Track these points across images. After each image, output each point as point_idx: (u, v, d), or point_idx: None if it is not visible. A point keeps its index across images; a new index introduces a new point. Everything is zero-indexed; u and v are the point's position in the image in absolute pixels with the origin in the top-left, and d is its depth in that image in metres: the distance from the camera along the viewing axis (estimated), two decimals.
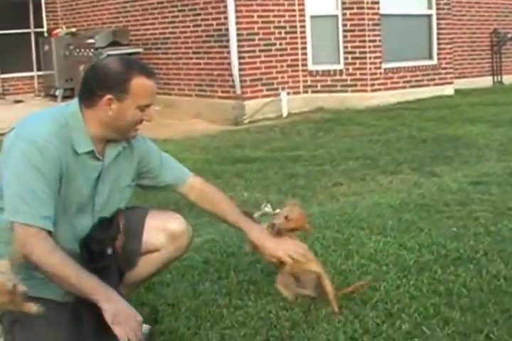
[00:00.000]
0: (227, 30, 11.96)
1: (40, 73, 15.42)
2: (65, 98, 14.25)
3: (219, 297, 3.99)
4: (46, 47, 14.86)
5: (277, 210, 6.10)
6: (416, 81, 13.01)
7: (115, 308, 2.91)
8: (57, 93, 14.58)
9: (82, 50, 13.38)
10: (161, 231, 3.54)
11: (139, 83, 3.16)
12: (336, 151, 8.72)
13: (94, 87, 3.16)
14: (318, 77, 12.52)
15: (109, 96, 3.13)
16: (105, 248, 3.18)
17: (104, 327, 2.90)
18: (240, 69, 11.98)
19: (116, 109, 3.16)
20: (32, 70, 15.65)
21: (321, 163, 8.09)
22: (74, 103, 3.26)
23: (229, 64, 12.05)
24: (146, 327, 3.62)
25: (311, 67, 12.55)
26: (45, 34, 15.61)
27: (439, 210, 5.54)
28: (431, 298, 3.83)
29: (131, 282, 3.54)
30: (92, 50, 13.10)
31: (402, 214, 5.45)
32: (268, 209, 6.12)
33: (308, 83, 12.56)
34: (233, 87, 12.10)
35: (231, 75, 12.07)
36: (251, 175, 7.64)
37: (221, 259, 4.67)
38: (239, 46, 11.92)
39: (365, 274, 4.23)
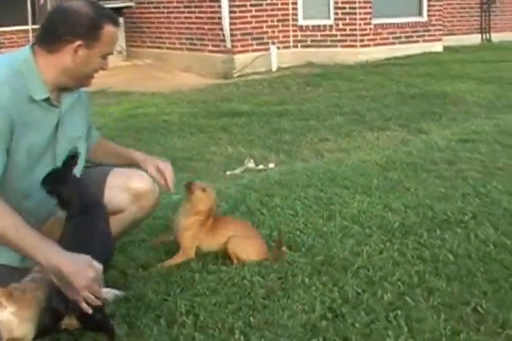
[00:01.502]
0: None
1: (35, 27, 14.89)
2: None
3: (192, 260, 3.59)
4: (41, 1, 14.34)
5: (260, 166, 5.72)
6: (405, 37, 12.46)
7: (57, 267, 2.49)
8: None
9: None
10: (124, 190, 3.16)
11: (110, 31, 2.87)
12: (323, 106, 8.28)
13: (62, 32, 2.81)
14: (308, 32, 12.00)
15: (79, 42, 2.81)
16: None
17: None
18: (230, 24, 11.48)
19: (83, 56, 2.85)
20: (27, 24, 15.11)
21: (308, 117, 7.67)
22: (26, 48, 2.89)
23: (220, 18, 11.55)
24: (113, 293, 3.25)
25: (301, 22, 12.02)
26: None
27: (426, 169, 5.13)
28: (415, 264, 3.43)
29: None
30: None
31: (388, 172, 5.04)
32: (251, 164, 5.72)
33: (298, 38, 12.04)
34: (223, 41, 11.61)
35: (221, 29, 11.58)
36: (236, 129, 7.22)
37: None
38: (230, 0, 11.38)
39: (347, 237, 3.83)
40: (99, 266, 2.54)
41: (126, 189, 3.16)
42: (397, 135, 6.63)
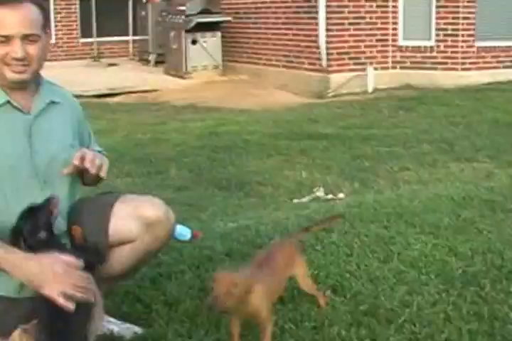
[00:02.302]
0: (316, 1, 11.13)
1: (136, 38, 15.06)
2: (157, 63, 13.94)
3: None
4: (143, 13, 14.46)
5: (329, 195, 5.40)
6: (510, 61, 11.85)
7: (28, 273, 2.37)
8: (150, 58, 14.31)
9: (174, 16, 12.78)
10: (134, 218, 2.83)
11: None
12: (411, 132, 7.87)
13: None
14: (407, 53, 11.56)
15: None
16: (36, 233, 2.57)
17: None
18: (327, 42, 11.18)
19: None
20: (128, 35, 15.26)
21: (393, 144, 7.28)
22: None
23: (317, 36, 11.26)
24: (132, 331, 3.00)
25: (401, 42, 11.59)
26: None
27: (505, 209, 4.66)
28: (469, 321, 3.03)
29: (108, 278, 2.89)
30: (183, 16, 12.49)
31: (463, 210, 4.60)
32: (320, 193, 5.41)
33: (397, 59, 11.61)
34: (319, 59, 11.31)
35: (318, 47, 11.26)
36: (316, 152, 6.92)
37: (245, 251, 3.95)
38: (327, 18, 11.09)
39: (400, 283, 3.46)
40: (68, 260, 2.40)
41: (137, 217, 2.82)
42: (484, 167, 6.18)
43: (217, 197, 5.39)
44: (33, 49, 2.62)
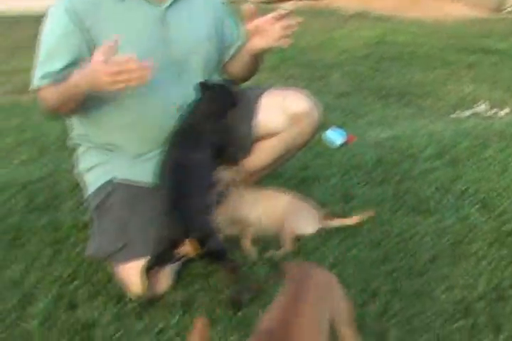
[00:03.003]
0: None
1: None
2: None
3: None
4: None
5: (492, 111, 5.16)
6: None
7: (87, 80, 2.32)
8: None
9: None
10: (281, 111, 2.78)
11: None
12: None
13: None
14: None
15: None
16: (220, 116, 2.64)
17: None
18: None
19: None
20: None
21: None
22: None
23: None
24: None
25: None
26: None
27: None
28: None
29: (254, 171, 2.92)
30: None
31: None
32: (481, 108, 5.19)
33: None
34: None
35: None
36: (483, 67, 6.60)
37: (396, 160, 3.87)
38: None
39: None
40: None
41: (283, 110, 2.78)
42: None
43: (375, 106, 5.28)
44: None
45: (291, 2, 11.02)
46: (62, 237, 2.99)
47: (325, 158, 3.89)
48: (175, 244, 2.34)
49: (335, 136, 4.20)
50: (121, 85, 2.20)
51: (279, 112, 2.78)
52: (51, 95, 2.50)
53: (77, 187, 3.27)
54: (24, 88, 5.46)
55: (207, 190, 2.56)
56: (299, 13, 2.69)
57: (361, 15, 9.68)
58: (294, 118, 2.78)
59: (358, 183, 3.56)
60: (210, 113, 2.64)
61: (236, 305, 2.45)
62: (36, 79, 2.55)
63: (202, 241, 2.33)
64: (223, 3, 2.90)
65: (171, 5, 2.66)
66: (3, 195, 3.50)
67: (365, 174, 3.68)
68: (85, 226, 3.00)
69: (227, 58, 2.90)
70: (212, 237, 2.39)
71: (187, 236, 2.32)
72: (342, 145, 4.14)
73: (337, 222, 2.97)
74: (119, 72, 2.18)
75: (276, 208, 2.93)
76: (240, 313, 2.40)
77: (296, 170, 3.64)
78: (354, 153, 3.98)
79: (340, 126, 4.39)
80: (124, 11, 2.57)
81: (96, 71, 2.23)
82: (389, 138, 4.33)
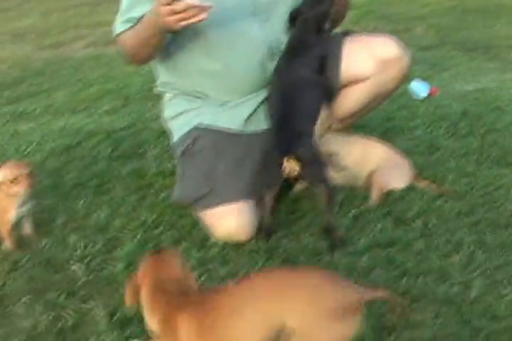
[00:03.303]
0: None
1: None
2: None
3: None
4: None
5: None
6: None
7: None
8: None
9: None
10: (369, 56, 2.69)
11: None
12: None
13: None
14: None
15: None
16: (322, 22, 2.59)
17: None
18: None
19: None
20: None
21: None
22: None
23: None
24: None
25: None
26: None
27: None
28: None
29: (342, 118, 2.87)
30: None
31: None
32: None
33: None
34: None
35: None
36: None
37: (481, 113, 3.77)
38: None
39: None
40: None
41: (372, 55, 2.69)
42: None
43: (460, 59, 5.15)
44: None
45: None
46: (146, 184, 3.03)
47: (409, 109, 3.82)
48: (279, 162, 2.35)
49: (419, 88, 4.11)
50: (184, 23, 2.20)
51: (368, 57, 2.70)
52: (130, 39, 2.51)
53: (161, 135, 3.30)
54: (107, 41, 5.51)
55: (314, 114, 2.53)
56: None
57: None
58: (384, 64, 2.70)
59: (443, 135, 3.49)
60: (314, 17, 2.62)
61: (329, 233, 2.45)
62: (117, 25, 2.57)
63: (303, 162, 2.33)
64: None
65: None
66: (88, 143, 3.55)
67: (450, 126, 3.60)
68: (170, 173, 3.03)
69: None
70: (315, 158, 2.38)
71: (291, 154, 2.32)
72: (426, 97, 4.05)
73: (423, 184, 2.90)
74: (176, 11, 2.18)
75: (372, 156, 2.87)
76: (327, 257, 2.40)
77: (381, 121, 3.58)
78: (439, 105, 3.90)
79: (424, 79, 4.30)
80: None
81: (158, 9, 2.23)
82: (474, 90, 4.23)
